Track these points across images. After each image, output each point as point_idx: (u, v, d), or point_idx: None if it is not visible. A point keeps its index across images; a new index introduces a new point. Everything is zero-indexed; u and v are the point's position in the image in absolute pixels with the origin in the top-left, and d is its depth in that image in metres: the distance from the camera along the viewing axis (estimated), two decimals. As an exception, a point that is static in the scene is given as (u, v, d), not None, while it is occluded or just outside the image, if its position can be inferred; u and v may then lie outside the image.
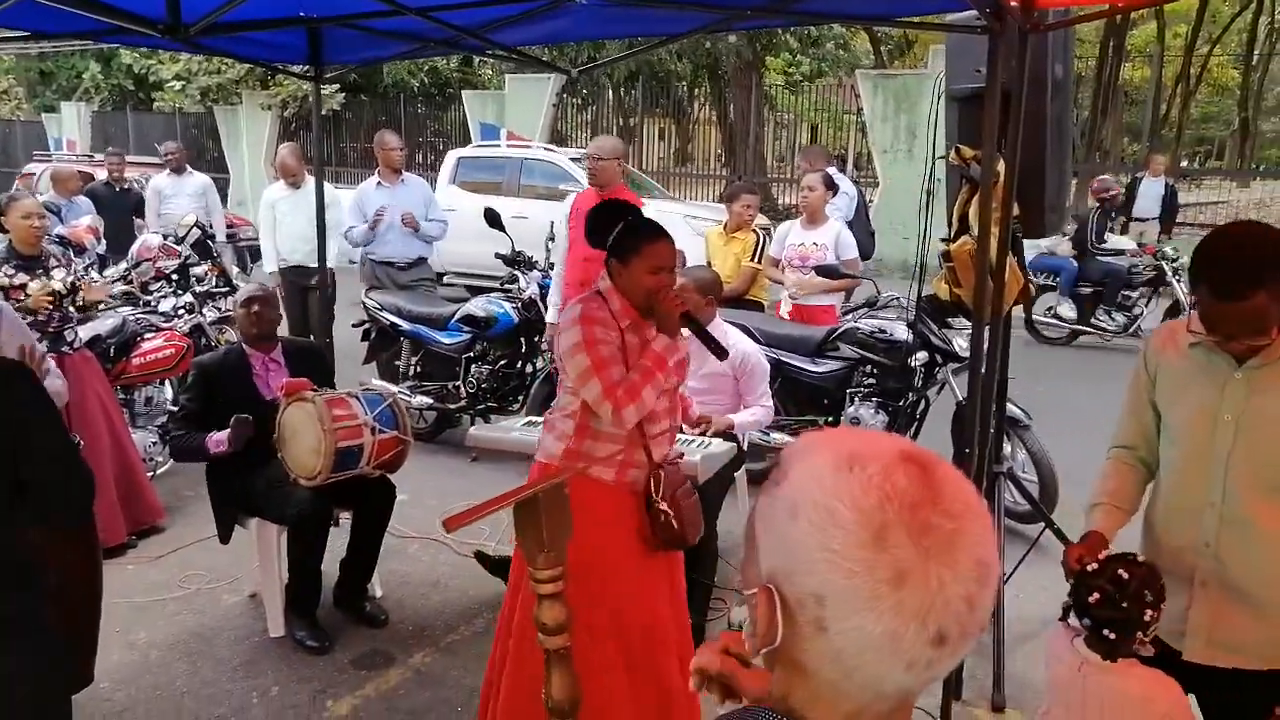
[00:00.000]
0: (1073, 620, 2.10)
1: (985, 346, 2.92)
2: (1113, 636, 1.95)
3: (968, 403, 3.01)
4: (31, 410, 1.97)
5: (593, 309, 2.69)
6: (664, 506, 2.70)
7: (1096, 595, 1.96)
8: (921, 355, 4.76)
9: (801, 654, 0.77)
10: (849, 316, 5.19)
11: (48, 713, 2.16)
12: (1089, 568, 2.02)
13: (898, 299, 5.05)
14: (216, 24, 2.87)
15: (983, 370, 2.95)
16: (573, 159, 11.03)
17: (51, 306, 4.20)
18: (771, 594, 0.78)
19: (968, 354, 4.58)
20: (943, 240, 3.45)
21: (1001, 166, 2.88)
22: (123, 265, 5.96)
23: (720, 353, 2.79)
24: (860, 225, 6.63)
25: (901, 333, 4.81)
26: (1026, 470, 4.48)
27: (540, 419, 4.25)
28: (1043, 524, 3.94)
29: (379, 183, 6.41)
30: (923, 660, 0.73)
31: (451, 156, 12.03)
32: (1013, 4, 2.64)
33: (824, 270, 5.18)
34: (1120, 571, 1.96)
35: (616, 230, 2.73)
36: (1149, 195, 11.29)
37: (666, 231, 2.73)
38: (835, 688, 0.77)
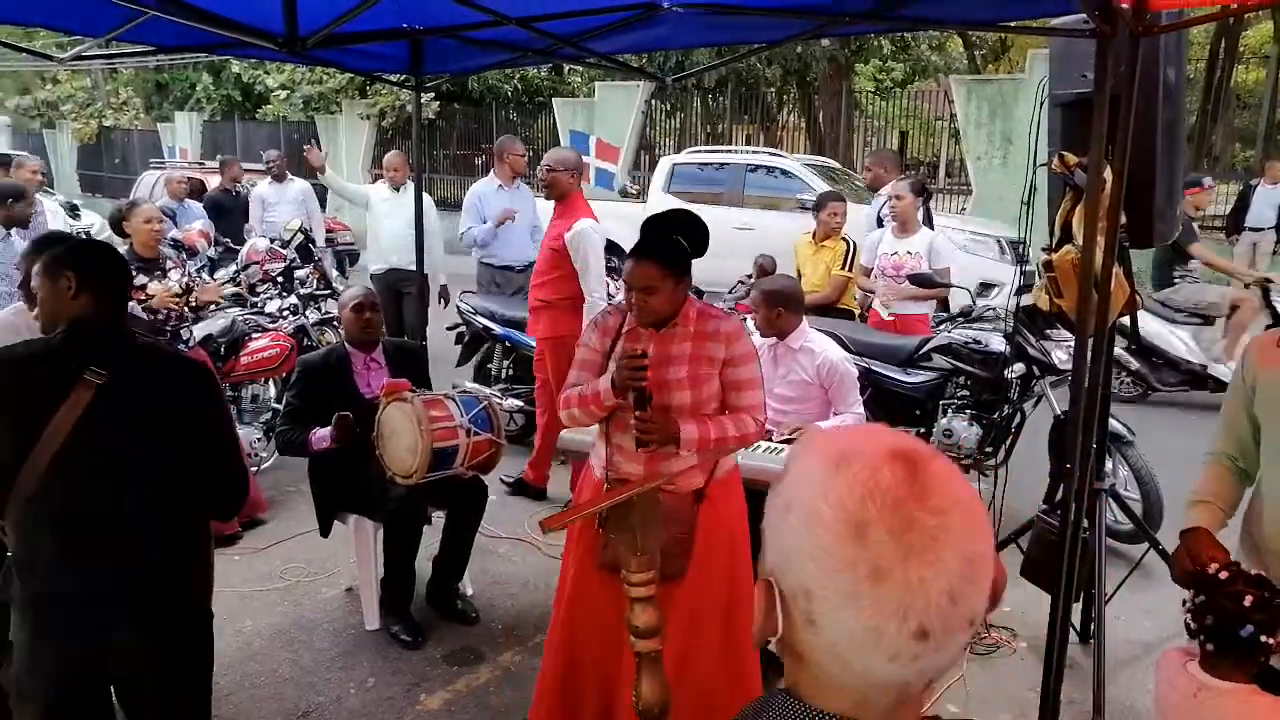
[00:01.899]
0: (1186, 643, 2.02)
1: (1088, 359, 2.83)
2: (1251, 638, 1.85)
3: (1069, 417, 2.92)
4: (211, 405, 2.11)
5: (600, 314, 2.90)
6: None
7: (1250, 598, 1.85)
8: (1018, 367, 4.64)
9: (799, 645, 0.81)
10: (943, 326, 5.09)
11: (206, 686, 2.31)
12: (1219, 574, 1.93)
13: (994, 309, 4.94)
14: (328, 37, 2.98)
15: (1085, 384, 2.86)
16: (809, 164, 10.13)
17: (174, 306, 4.42)
18: (770, 587, 0.82)
19: (1067, 367, 4.47)
20: (1044, 249, 3.36)
21: (1109, 174, 2.79)
22: (232, 268, 6.23)
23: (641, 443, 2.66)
24: None
25: (997, 344, 4.70)
26: (1129, 488, 4.33)
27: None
28: (1146, 544, 3.81)
29: (500, 185, 6.40)
30: (907, 654, 0.75)
31: (665, 163, 11.01)
32: (1124, 6, 2.56)
33: (918, 279, 5.09)
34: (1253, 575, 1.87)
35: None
36: (1266, 203, 10.78)
37: (652, 251, 2.66)
38: (833, 678, 0.80)
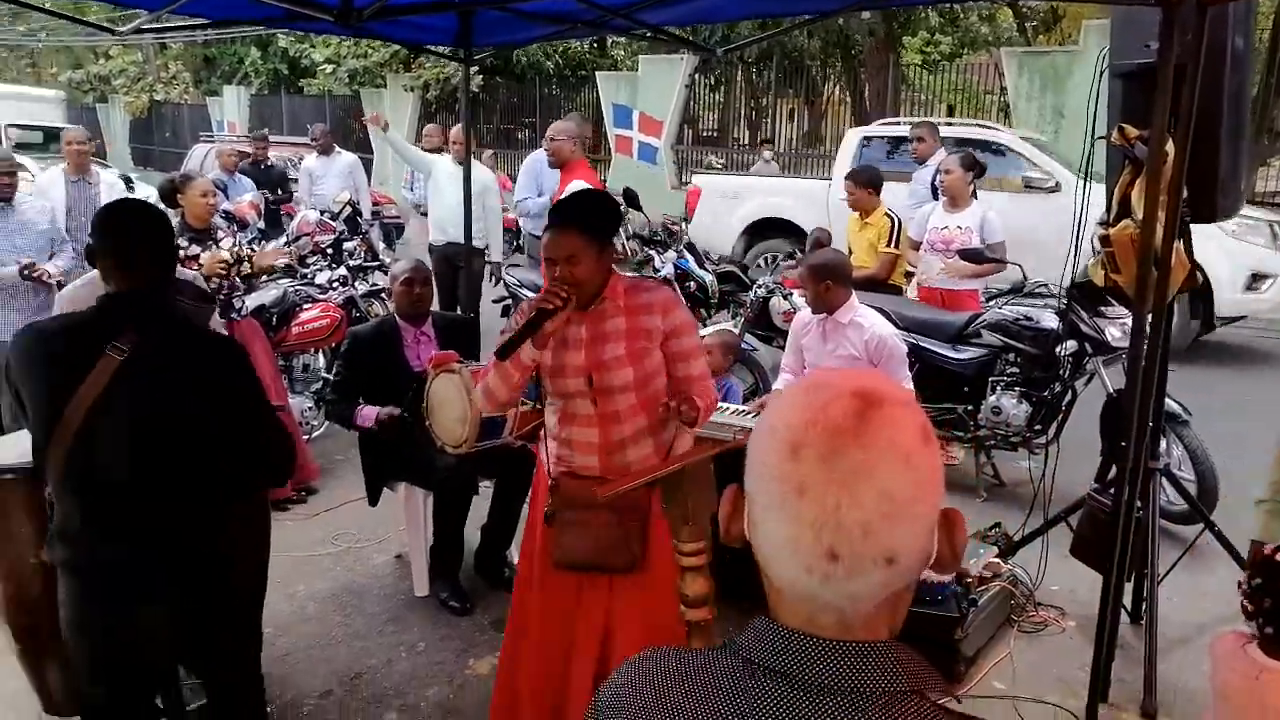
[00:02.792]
0: (1241, 625, 2.00)
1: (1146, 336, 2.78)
2: None
3: (1125, 395, 2.88)
4: (239, 380, 2.14)
5: (527, 302, 2.70)
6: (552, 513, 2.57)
7: None
8: (1070, 344, 4.57)
9: (755, 550, 0.88)
10: (993, 302, 5.02)
11: (251, 649, 2.37)
12: (1276, 556, 1.90)
13: (1046, 285, 4.86)
14: (381, 9, 2.99)
15: (1142, 361, 2.81)
16: (1025, 138, 8.65)
17: (223, 274, 4.50)
18: (736, 491, 0.91)
19: (1121, 344, 4.39)
20: (1100, 224, 3.30)
21: (1170, 147, 2.73)
22: (282, 239, 6.31)
23: (501, 351, 2.49)
24: None
25: (1049, 320, 4.63)
26: (1183, 468, 4.25)
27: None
28: (1201, 525, 3.75)
29: None
30: (819, 570, 0.81)
31: (853, 136, 9.40)
32: (1192, -27, 2.49)
33: (968, 254, 5.02)
34: None
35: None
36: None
37: (569, 219, 2.52)
38: (782, 590, 0.86)
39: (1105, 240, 3.14)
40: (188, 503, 2.09)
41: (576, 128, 5.53)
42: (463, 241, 4.91)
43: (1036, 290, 4.88)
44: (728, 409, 3.98)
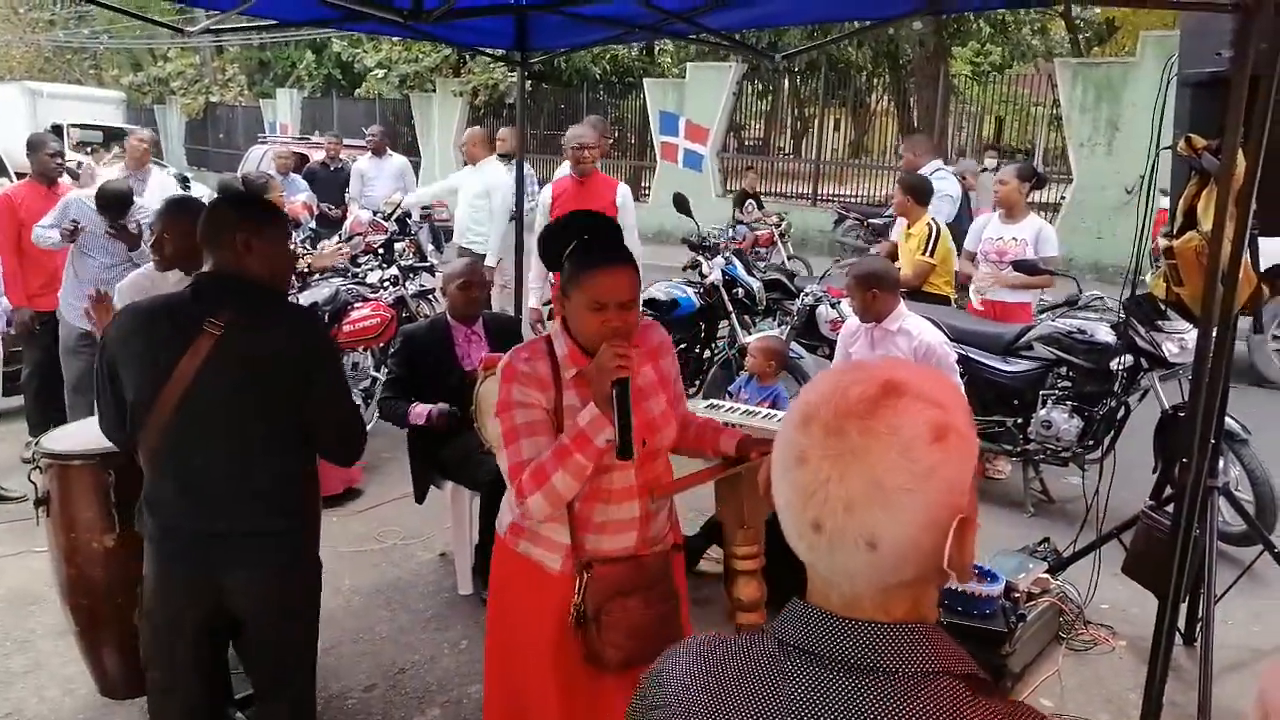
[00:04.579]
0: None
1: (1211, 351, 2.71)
2: None
3: (1188, 412, 2.82)
4: (320, 354, 2.20)
5: (519, 360, 2.10)
6: (588, 613, 2.08)
7: None
8: (1126, 359, 4.49)
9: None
10: (1045, 315, 4.95)
11: (314, 630, 2.41)
12: None
13: (1101, 298, 4.79)
14: (448, 11, 3.02)
15: (1206, 377, 2.75)
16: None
17: None
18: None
19: (1178, 360, 4.31)
20: (1164, 236, 3.24)
21: (1240, 158, 2.67)
22: (335, 239, 6.41)
23: (625, 450, 1.97)
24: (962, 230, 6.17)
25: (1103, 334, 4.55)
26: (1240, 488, 4.16)
27: (721, 402, 4.32)
28: (1259, 546, 3.66)
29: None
30: (807, 540, 0.85)
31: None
32: (1270, -20, 2.43)
33: (1022, 265, 4.96)
34: None
35: (567, 253, 2.10)
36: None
37: (624, 256, 2.07)
38: (804, 560, 0.89)
39: (1169, 252, 3.08)
40: (276, 471, 2.18)
41: (598, 135, 5.41)
42: (471, 248, 4.90)
43: (1091, 303, 4.80)
44: (776, 416, 3.97)
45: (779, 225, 10.99)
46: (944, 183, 6.31)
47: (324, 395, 2.20)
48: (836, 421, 0.83)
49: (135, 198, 4.84)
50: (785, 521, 0.88)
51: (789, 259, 10.56)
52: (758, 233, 10.35)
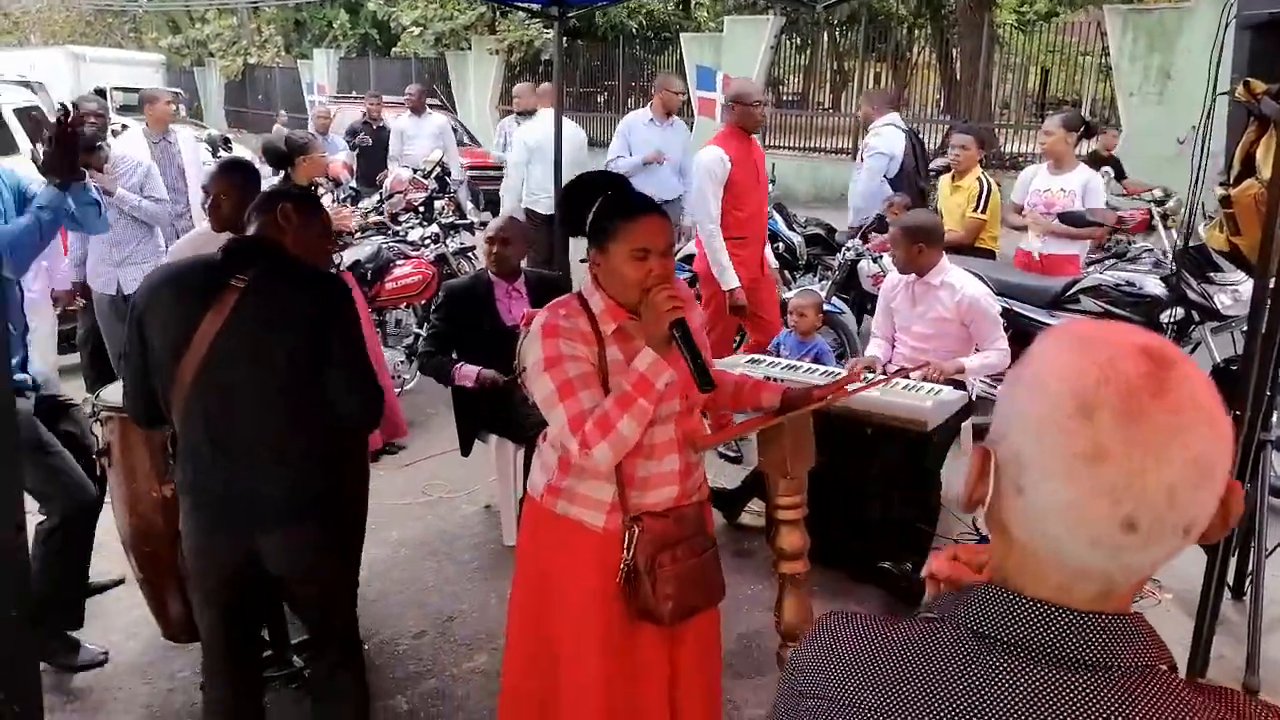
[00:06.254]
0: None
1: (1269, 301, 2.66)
2: None
3: (1243, 364, 2.77)
4: (338, 313, 2.22)
5: (558, 317, 2.10)
6: (639, 567, 2.09)
7: None
8: (1176, 311, 4.40)
9: (1005, 515, 0.81)
10: (1093, 268, 4.86)
11: (351, 582, 2.46)
12: None
13: (1150, 249, 4.70)
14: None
15: (1263, 328, 2.69)
16: None
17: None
18: (986, 453, 0.82)
19: (1232, 312, 4.22)
20: (1221, 184, 3.16)
21: (1303, 101, 2.60)
22: (375, 197, 6.45)
23: (706, 382, 2.04)
24: (909, 184, 6.05)
25: (1152, 286, 4.47)
26: (1293, 443, 4.07)
27: (762, 357, 4.31)
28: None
29: (651, 119, 6.49)
30: (1109, 543, 0.74)
31: None
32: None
33: (1069, 217, 4.86)
34: None
35: (593, 209, 2.12)
36: None
37: (654, 205, 2.15)
38: (1034, 555, 0.80)
39: (1226, 201, 3.01)
40: (302, 430, 2.19)
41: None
42: (534, 207, 4.90)
43: (1140, 255, 4.70)
44: (817, 371, 3.96)
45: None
46: (883, 140, 6.11)
47: (341, 355, 2.18)
48: (1131, 404, 0.73)
49: (105, 148, 4.81)
50: (1063, 529, 0.76)
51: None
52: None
